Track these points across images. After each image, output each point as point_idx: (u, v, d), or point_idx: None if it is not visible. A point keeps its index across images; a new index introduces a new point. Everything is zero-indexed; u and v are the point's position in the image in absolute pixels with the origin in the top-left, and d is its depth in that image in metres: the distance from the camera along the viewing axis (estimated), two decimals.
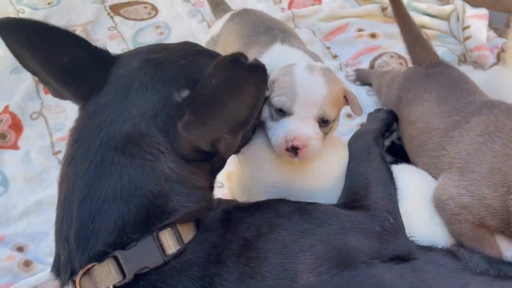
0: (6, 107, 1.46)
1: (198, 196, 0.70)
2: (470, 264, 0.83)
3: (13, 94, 1.50)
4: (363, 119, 1.35)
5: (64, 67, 0.69)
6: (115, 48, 1.69)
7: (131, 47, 1.69)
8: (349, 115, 1.43)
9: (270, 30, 1.17)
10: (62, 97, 0.75)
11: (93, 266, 0.62)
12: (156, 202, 0.65)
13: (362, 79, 1.51)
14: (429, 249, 0.84)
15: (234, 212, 0.74)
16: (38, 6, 1.82)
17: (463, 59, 1.56)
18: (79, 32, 1.73)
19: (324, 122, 0.89)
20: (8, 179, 1.31)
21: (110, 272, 0.61)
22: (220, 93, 0.61)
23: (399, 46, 1.61)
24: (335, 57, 1.64)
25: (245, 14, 1.31)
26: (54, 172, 1.32)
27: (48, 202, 1.24)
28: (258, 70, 0.60)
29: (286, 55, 1.02)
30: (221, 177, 1.18)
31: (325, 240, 0.71)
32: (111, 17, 1.81)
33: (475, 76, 1.16)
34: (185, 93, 0.67)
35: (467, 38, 1.54)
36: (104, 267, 0.62)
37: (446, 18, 1.68)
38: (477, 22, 1.57)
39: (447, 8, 1.68)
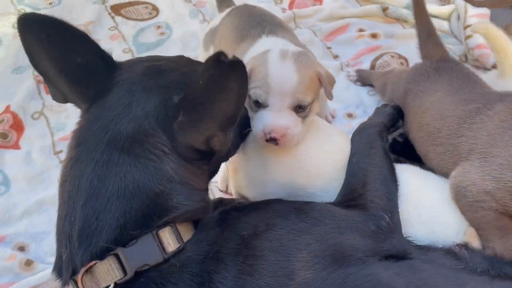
0: (8, 107, 1.46)
1: (197, 196, 0.72)
2: (470, 264, 0.82)
3: (14, 94, 1.51)
4: (363, 119, 1.35)
5: (77, 67, 0.71)
6: (116, 48, 1.69)
7: (132, 47, 1.70)
8: (349, 115, 1.43)
9: (261, 23, 1.18)
10: (63, 100, 0.77)
11: (95, 264, 0.63)
12: (157, 201, 0.67)
13: (363, 80, 1.51)
14: (427, 249, 0.84)
15: (231, 212, 0.76)
16: (40, 6, 1.83)
17: (464, 59, 1.56)
18: None
19: (300, 108, 0.91)
20: (9, 179, 1.31)
21: (111, 270, 0.63)
22: (207, 92, 0.64)
23: (400, 46, 1.62)
24: (336, 57, 1.64)
25: (244, 9, 1.33)
26: (55, 172, 1.32)
27: (49, 202, 1.24)
28: (237, 67, 0.62)
29: (271, 46, 1.03)
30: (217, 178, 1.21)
31: (321, 238, 0.72)
32: (112, 17, 1.82)
33: None
34: (181, 95, 0.70)
35: (469, 36, 1.54)
36: (105, 264, 0.63)
37: (446, 18, 1.68)
38: (479, 21, 1.57)
39: (448, 8, 1.68)
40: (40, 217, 1.23)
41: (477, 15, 1.59)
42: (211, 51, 1.31)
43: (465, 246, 0.88)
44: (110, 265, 0.63)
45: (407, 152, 1.13)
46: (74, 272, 0.65)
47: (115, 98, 0.71)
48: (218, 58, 0.60)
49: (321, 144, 0.98)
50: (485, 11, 1.61)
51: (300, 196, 0.93)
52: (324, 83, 0.94)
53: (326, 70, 0.97)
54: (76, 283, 0.64)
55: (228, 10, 1.37)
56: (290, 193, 0.94)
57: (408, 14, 1.69)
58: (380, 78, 1.40)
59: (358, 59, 1.61)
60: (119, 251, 0.63)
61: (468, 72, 1.13)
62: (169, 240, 0.66)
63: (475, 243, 0.89)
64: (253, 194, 0.99)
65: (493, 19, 1.61)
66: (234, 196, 1.09)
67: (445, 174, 0.97)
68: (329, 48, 1.66)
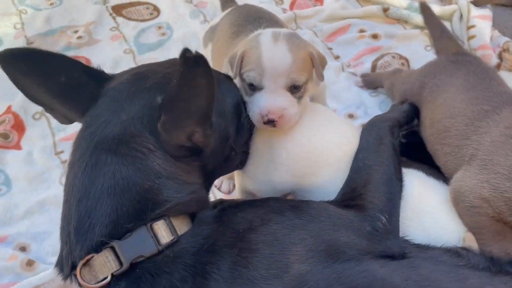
0: (9, 107, 1.47)
1: (188, 190, 0.74)
2: (472, 261, 0.82)
3: (15, 94, 1.50)
4: (364, 119, 1.35)
5: (62, 86, 0.77)
6: (117, 48, 1.70)
7: (133, 48, 1.70)
8: (350, 115, 1.44)
9: (258, 20, 1.19)
10: (68, 121, 0.84)
11: (92, 257, 0.66)
12: (147, 196, 0.70)
13: (369, 84, 1.50)
14: (427, 248, 0.84)
15: (228, 208, 0.78)
16: (41, 6, 1.83)
17: None
18: (81, 32, 1.74)
19: (295, 88, 0.92)
20: (10, 179, 1.31)
21: (108, 262, 0.66)
22: (181, 90, 0.67)
23: (401, 47, 1.62)
24: (337, 57, 1.64)
25: (244, 7, 1.35)
26: (56, 172, 1.32)
27: (50, 202, 1.25)
28: (200, 61, 0.64)
29: None
30: None
31: (316, 234, 0.73)
32: (113, 18, 1.82)
33: None
34: (163, 96, 0.73)
35: (472, 37, 1.54)
36: (102, 257, 0.66)
37: (448, 18, 1.68)
38: (482, 22, 1.57)
39: (449, 9, 1.68)
40: (41, 217, 1.23)
41: (480, 17, 1.59)
42: (210, 48, 1.31)
43: (466, 248, 0.88)
44: (106, 257, 0.66)
45: (410, 153, 1.12)
46: (74, 266, 0.68)
47: (103, 106, 0.76)
48: (183, 55, 0.61)
49: (329, 134, 0.98)
50: (488, 12, 1.61)
51: (307, 186, 0.94)
52: (315, 64, 0.94)
53: (318, 51, 0.97)
54: (76, 276, 0.66)
55: (229, 9, 1.38)
56: (297, 182, 0.95)
57: (409, 15, 1.69)
58: (389, 77, 1.39)
59: (359, 59, 1.61)
60: (115, 243, 0.66)
61: (486, 68, 1.10)
62: (163, 233, 0.68)
63: (473, 247, 0.88)
64: (260, 187, 0.99)
65: (494, 19, 1.62)
66: (238, 197, 1.09)
67: (449, 175, 0.97)
68: (330, 48, 1.66)
